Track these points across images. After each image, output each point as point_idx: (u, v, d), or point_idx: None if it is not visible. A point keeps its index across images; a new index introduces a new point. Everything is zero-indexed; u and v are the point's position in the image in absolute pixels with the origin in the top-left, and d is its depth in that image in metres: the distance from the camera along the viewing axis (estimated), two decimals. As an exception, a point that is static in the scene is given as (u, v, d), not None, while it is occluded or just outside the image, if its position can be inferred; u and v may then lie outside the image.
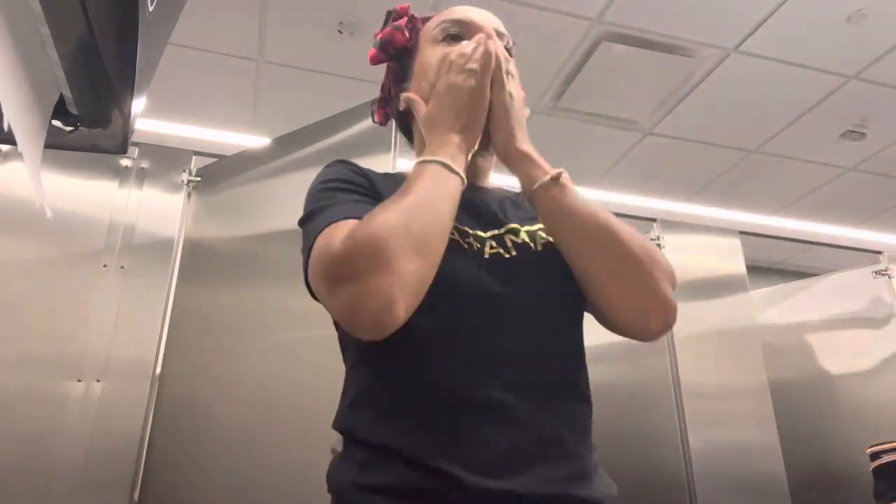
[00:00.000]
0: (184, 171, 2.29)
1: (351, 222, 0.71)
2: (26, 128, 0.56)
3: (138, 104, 0.68)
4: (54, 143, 0.65)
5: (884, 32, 2.70)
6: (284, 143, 2.19)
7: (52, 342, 1.94)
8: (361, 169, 0.88)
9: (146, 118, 3.16)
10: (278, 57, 2.94)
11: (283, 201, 2.09)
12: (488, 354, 0.74)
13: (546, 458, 0.70)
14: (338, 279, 0.67)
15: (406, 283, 0.65)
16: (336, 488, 0.78)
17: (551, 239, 0.82)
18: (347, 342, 0.85)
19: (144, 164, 2.25)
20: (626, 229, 0.76)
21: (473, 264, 0.78)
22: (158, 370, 2.03)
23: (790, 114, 3.25)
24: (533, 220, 0.85)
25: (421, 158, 0.75)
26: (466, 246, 0.79)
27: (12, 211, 2.01)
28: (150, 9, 0.60)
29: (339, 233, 0.70)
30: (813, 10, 2.58)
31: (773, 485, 2.53)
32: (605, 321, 0.80)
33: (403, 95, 0.89)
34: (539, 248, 0.82)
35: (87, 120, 0.66)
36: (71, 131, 0.67)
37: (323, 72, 3.02)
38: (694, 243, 2.69)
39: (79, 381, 1.92)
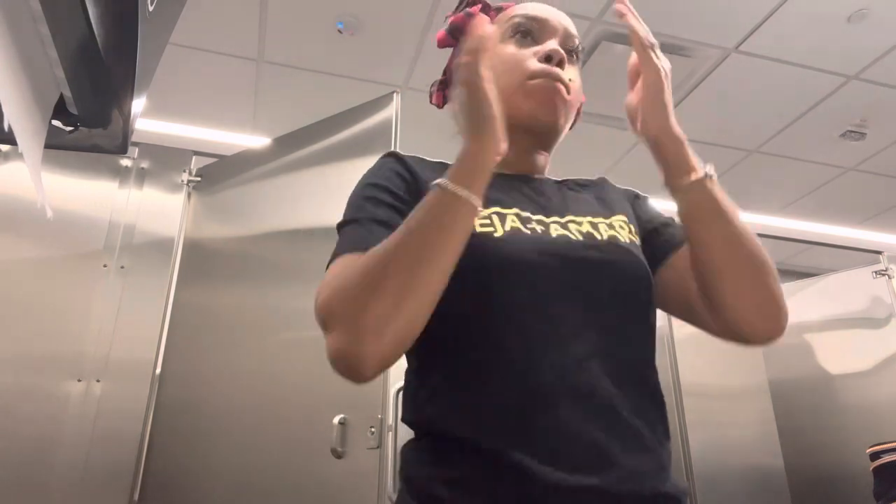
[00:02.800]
0: (184, 171, 2.29)
1: (353, 258, 0.73)
2: (26, 128, 0.56)
3: (138, 104, 0.68)
4: (54, 143, 0.65)
5: (884, 32, 2.70)
6: (284, 143, 2.19)
7: (52, 342, 1.94)
8: (408, 165, 0.86)
9: (146, 118, 3.15)
10: (278, 57, 2.94)
11: (283, 201, 2.09)
12: (565, 341, 0.71)
13: (625, 451, 0.68)
14: (325, 328, 0.71)
15: (381, 339, 0.66)
16: (408, 476, 0.75)
17: (623, 235, 0.81)
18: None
19: (144, 164, 2.25)
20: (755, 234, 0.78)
21: (539, 247, 0.75)
22: (158, 370, 2.03)
23: (790, 114, 3.25)
24: (594, 214, 0.84)
25: (435, 181, 0.70)
26: (529, 231, 0.77)
27: (12, 211, 2.01)
28: (150, 9, 0.60)
29: (336, 272, 0.74)
30: (813, 10, 2.58)
31: (773, 484, 2.53)
32: (715, 324, 0.79)
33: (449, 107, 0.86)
34: (605, 237, 0.80)
35: (87, 120, 0.66)
36: (71, 131, 0.67)
37: (323, 72, 3.02)
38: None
39: (79, 381, 1.92)
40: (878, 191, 3.96)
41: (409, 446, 0.78)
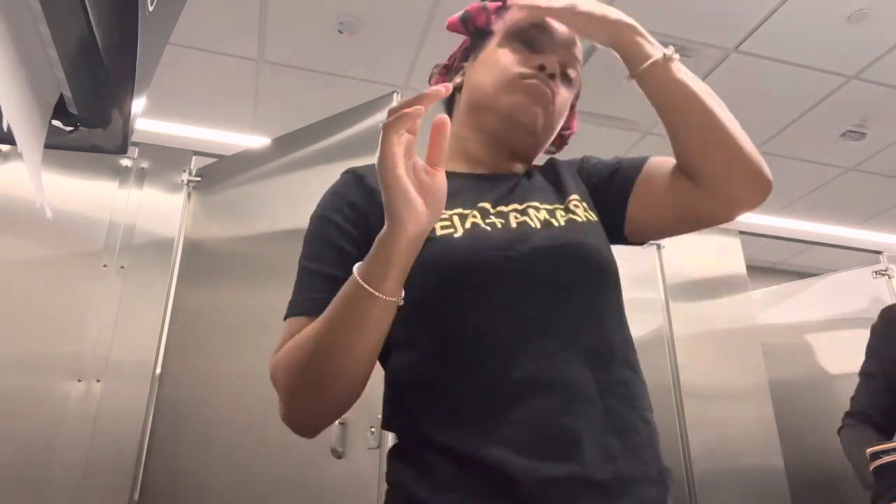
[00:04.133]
0: (184, 171, 2.29)
1: (297, 324, 0.79)
2: (26, 128, 0.56)
3: (138, 104, 0.68)
4: (54, 143, 0.65)
5: (884, 32, 2.70)
6: (284, 143, 2.19)
7: (52, 342, 1.94)
8: (366, 184, 0.86)
9: (146, 118, 3.16)
10: (278, 57, 2.94)
11: (282, 201, 2.09)
12: (534, 334, 0.72)
13: (604, 435, 0.69)
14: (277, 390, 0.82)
15: (305, 418, 0.80)
16: (393, 481, 0.77)
17: (580, 215, 0.82)
18: (390, 346, 0.81)
19: (144, 164, 2.25)
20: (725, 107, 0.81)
21: (498, 242, 0.76)
22: (158, 370, 2.03)
23: (790, 114, 3.25)
24: (551, 200, 0.84)
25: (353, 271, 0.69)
26: (489, 227, 0.78)
27: (12, 211, 2.01)
28: (150, 9, 0.60)
29: (283, 340, 0.81)
30: (813, 10, 2.58)
31: (773, 484, 2.53)
32: (704, 205, 0.81)
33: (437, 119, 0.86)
34: (562, 223, 0.81)
35: (87, 120, 0.66)
36: (71, 131, 0.67)
37: (323, 72, 3.02)
38: (694, 243, 2.69)
39: (79, 381, 1.92)
40: (878, 191, 3.96)
41: (393, 451, 0.79)
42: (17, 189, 2.03)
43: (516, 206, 0.82)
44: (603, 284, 0.79)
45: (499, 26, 0.90)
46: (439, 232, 0.76)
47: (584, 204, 0.85)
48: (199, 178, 2.32)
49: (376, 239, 0.67)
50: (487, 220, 0.78)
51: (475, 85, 0.89)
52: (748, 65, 2.89)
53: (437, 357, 0.74)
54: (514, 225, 0.79)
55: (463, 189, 0.82)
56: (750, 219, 4.22)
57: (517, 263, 0.75)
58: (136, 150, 2.26)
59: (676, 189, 0.82)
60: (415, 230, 0.64)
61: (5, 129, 0.54)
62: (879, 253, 2.90)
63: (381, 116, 1.95)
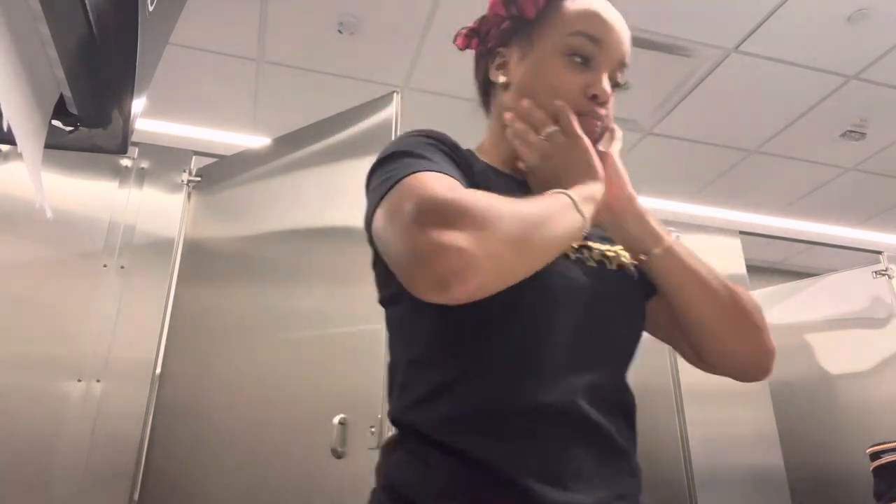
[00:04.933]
0: (184, 171, 2.29)
1: (453, 181, 0.66)
2: (26, 128, 0.56)
3: (138, 104, 0.68)
4: (54, 143, 0.65)
5: (884, 32, 2.70)
6: (284, 143, 2.19)
7: (52, 342, 1.94)
8: (454, 147, 0.80)
9: (146, 118, 3.15)
10: (278, 57, 2.94)
11: (283, 201, 2.09)
12: (578, 369, 0.71)
13: (618, 474, 0.71)
14: (428, 221, 0.59)
15: (494, 263, 0.60)
16: (392, 482, 0.71)
17: (627, 262, 0.82)
18: (418, 333, 0.76)
19: (144, 164, 2.25)
20: (738, 286, 0.81)
21: (560, 266, 0.73)
22: (158, 370, 2.03)
23: (790, 114, 3.24)
24: (603, 240, 0.84)
25: (557, 190, 0.71)
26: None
27: (12, 211, 2.01)
28: (150, 9, 0.60)
29: (442, 182, 0.65)
30: (813, 10, 2.58)
31: (773, 484, 2.53)
32: (705, 364, 0.84)
33: (507, 117, 0.83)
34: (614, 266, 0.81)
35: (87, 120, 0.66)
36: (71, 131, 0.67)
37: (323, 72, 3.02)
38: (694, 243, 2.67)
39: (79, 381, 1.92)
40: (878, 191, 3.96)
41: (395, 447, 0.74)
42: (17, 189, 2.03)
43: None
44: (635, 336, 0.81)
45: (548, 25, 0.83)
46: None
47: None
48: (199, 178, 2.31)
49: (578, 188, 0.72)
50: None
51: (525, 95, 0.83)
52: (748, 65, 2.89)
53: (482, 357, 0.71)
54: (572, 258, 0.77)
55: (511, 191, 0.77)
56: (750, 219, 4.22)
57: (578, 298, 0.74)
58: (136, 150, 2.26)
59: (676, 333, 0.85)
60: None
61: (5, 129, 0.54)
62: (879, 253, 2.90)
63: (381, 116, 1.95)
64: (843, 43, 2.75)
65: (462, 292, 0.58)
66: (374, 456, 1.55)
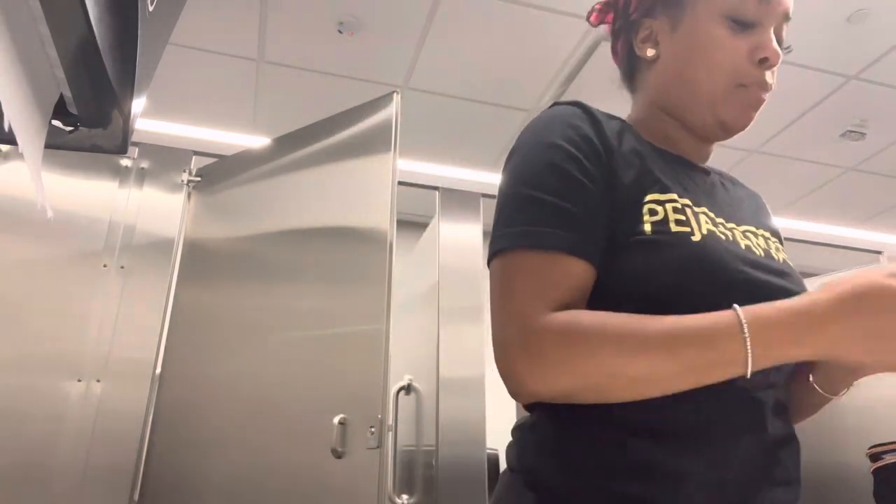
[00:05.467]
0: (184, 171, 2.29)
1: (557, 268, 0.63)
2: (26, 128, 0.56)
3: (138, 104, 0.68)
4: (54, 143, 0.65)
5: (884, 32, 2.70)
6: (284, 143, 2.19)
7: (52, 342, 1.94)
8: (601, 128, 0.71)
9: (146, 118, 3.15)
10: (278, 57, 2.94)
11: (283, 201, 2.09)
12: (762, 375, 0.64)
13: (774, 485, 0.65)
14: (533, 361, 0.61)
15: (559, 389, 0.61)
16: (532, 468, 0.67)
17: (786, 257, 0.76)
18: None
19: (144, 164, 2.25)
20: None
21: (736, 259, 0.66)
22: (158, 370, 2.03)
23: (790, 114, 3.25)
24: (757, 224, 0.77)
25: (747, 317, 0.56)
26: (723, 237, 0.68)
27: (12, 211, 2.01)
28: (150, 9, 0.60)
29: (539, 285, 0.62)
30: (813, 10, 2.58)
31: (773, 485, 2.53)
32: None
33: None
34: (780, 259, 0.73)
35: (87, 120, 0.66)
36: (71, 131, 0.67)
37: (323, 72, 3.02)
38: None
39: (79, 381, 1.92)
40: (878, 191, 3.96)
41: (541, 432, 0.68)
42: (17, 189, 2.03)
43: (734, 225, 0.73)
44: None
45: None
46: (674, 227, 0.65)
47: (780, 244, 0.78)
48: (199, 178, 2.31)
49: (791, 308, 0.56)
50: (719, 229, 0.69)
51: (682, 72, 0.75)
52: (748, 65, 2.89)
53: None
54: (742, 245, 0.69)
55: (675, 174, 0.73)
56: (750, 219, 4.22)
57: (749, 289, 0.64)
58: (136, 150, 2.26)
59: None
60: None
61: (6, 129, 0.54)
62: (879, 253, 2.90)
63: (381, 116, 1.95)
64: (843, 43, 2.75)
65: (527, 401, 0.65)
66: (375, 456, 1.55)
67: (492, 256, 0.68)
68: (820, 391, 0.69)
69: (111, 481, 1.85)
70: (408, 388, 2.39)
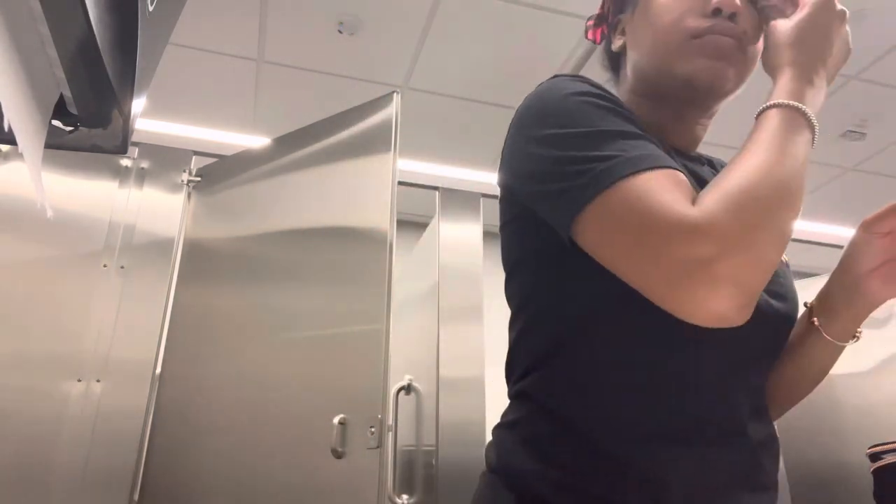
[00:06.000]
0: (184, 171, 2.29)
1: (682, 178, 0.59)
2: (26, 128, 0.56)
3: (138, 104, 0.68)
4: (54, 143, 0.65)
5: (884, 32, 2.70)
6: (284, 143, 2.19)
7: (52, 342, 1.94)
8: (612, 97, 0.70)
9: (146, 118, 3.15)
10: (278, 57, 2.94)
11: (283, 201, 2.09)
12: (732, 380, 0.65)
13: (755, 491, 0.66)
14: (688, 252, 0.53)
15: (764, 276, 0.57)
16: (509, 468, 0.66)
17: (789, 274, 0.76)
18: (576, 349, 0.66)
19: (144, 164, 2.25)
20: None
21: None
22: (158, 370, 2.03)
23: (790, 114, 3.25)
24: None
25: (781, 101, 0.62)
26: None
27: (12, 211, 2.01)
28: (150, 9, 0.60)
29: (677, 188, 0.57)
30: (813, 10, 2.58)
31: (773, 485, 2.53)
32: None
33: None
34: (784, 279, 0.75)
35: (87, 120, 0.66)
36: (71, 131, 0.67)
37: (323, 72, 3.02)
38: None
39: (79, 381, 1.92)
40: (878, 191, 3.96)
41: (517, 432, 0.68)
42: (17, 189, 2.03)
43: None
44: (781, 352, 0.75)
45: None
46: None
47: None
48: (199, 178, 2.32)
49: (796, 84, 0.64)
50: None
51: (639, 48, 0.76)
52: (748, 65, 2.89)
53: (635, 353, 0.64)
54: None
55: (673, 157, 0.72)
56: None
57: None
58: (136, 150, 2.26)
59: None
60: None
61: (6, 129, 0.54)
62: (879, 253, 2.90)
63: (381, 116, 1.96)
64: (843, 43, 2.75)
65: (741, 316, 0.56)
66: (374, 456, 1.55)
67: (592, 197, 0.58)
68: (827, 337, 0.71)
69: (111, 481, 1.85)
70: (408, 388, 2.39)
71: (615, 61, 0.85)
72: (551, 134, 0.63)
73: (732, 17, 0.70)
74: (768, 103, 0.63)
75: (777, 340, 0.72)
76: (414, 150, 3.51)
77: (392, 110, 1.92)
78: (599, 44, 0.88)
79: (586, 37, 0.89)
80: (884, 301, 0.71)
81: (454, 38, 2.79)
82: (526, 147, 0.66)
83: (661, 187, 0.56)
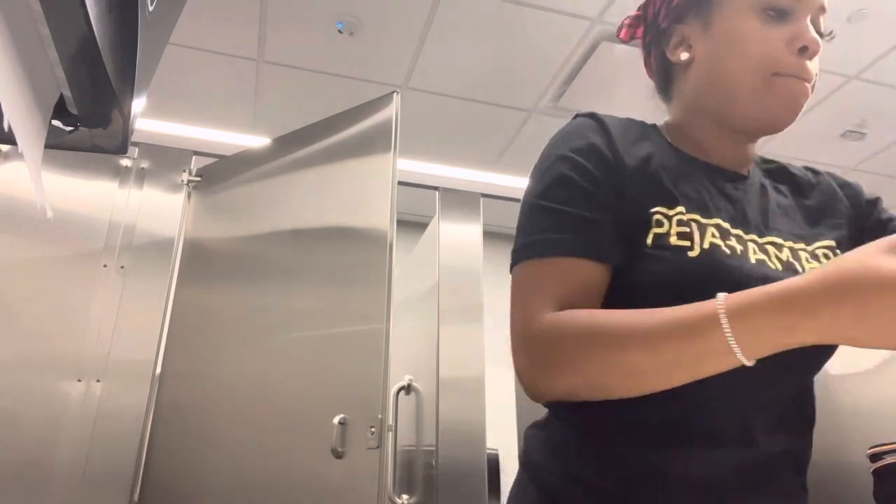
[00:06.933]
0: (184, 171, 2.29)
1: (561, 272, 0.66)
2: (26, 128, 0.56)
3: (138, 104, 0.68)
4: (54, 143, 0.65)
5: (884, 32, 2.70)
6: (284, 143, 2.19)
7: (52, 342, 1.94)
8: (611, 137, 0.73)
9: (146, 118, 3.15)
10: (278, 57, 2.94)
11: (283, 201, 2.09)
12: (737, 388, 0.63)
13: (768, 496, 0.66)
14: (522, 347, 0.66)
15: (568, 392, 0.64)
16: (536, 464, 0.71)
17: (821, 264, 0.71)
18: None
19: (144, 164, 2.25)
20: None
21: (734, 277, 0.64)
22: (158, 370, 2.03)
23: (790, 114, 3.25)
24: (797, 238, 0.73)
25: (728, 306, 0.54)
26: (728, 250, 0.67)
27: (12, 211, 2.01)
28: (150, 9, 0.60)
29: (543, 289, 0.66)
30: (813, 11, 2.58)
31: (773, 485, 2.53)
32: None
33: None
34: (805, 272, 0.68)
35: (87, 120, 0.66)
36: (71, 131, 0.67)
37: (323, 72, 3.02)
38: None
39: (79, 381, 1.92)
40: (878, 191, 3.94)
41: (546, 435, 0.72)
42: (17, 189, 2.03)
43: (755, 237, 0.70)
44: (815, 366, 0.71)
45: None
46: (675, 241, 0.66)
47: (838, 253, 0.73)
48: (199, 178, 2.32)
49: (781, 294, 0.52)
50: (727, 242, 0.68)
51: (718, 70, 0.74)
52: (748, 65, 2.89)
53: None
54: (752, 261, 0.67)
55: (695, 182, 0.73)
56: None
57: None
58: (136, 150, 2.26)
59: None
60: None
61: (6, 128, 0.54)
62: (879, 253, 2.90)
63: (381, 116, 1.96)
64: (843, 43, 2.76)
65: (538, 400, 0.67)
66: (374, 456, 1.55)
67: (511, 269, 0.71)
68: None
69: (111, 481, 1.85)
70: (408, 388, 2.39)
71: (668, 71, 0.82)
72: (530, 189, 0.74)
73: (813, 57, 0.72)
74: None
75: (788, 355, 0.71)
76: (414, 150, 3.51)
77: (392, 110, 1.92)
78: (627, 42, 0.88)
79: (618, 34, 0.88)
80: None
81: (454, 38, 2.79)
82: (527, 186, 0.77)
83: (542, 283, 0.66)
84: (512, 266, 0.70)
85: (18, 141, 0.54)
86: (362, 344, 1.68)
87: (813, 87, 0.73)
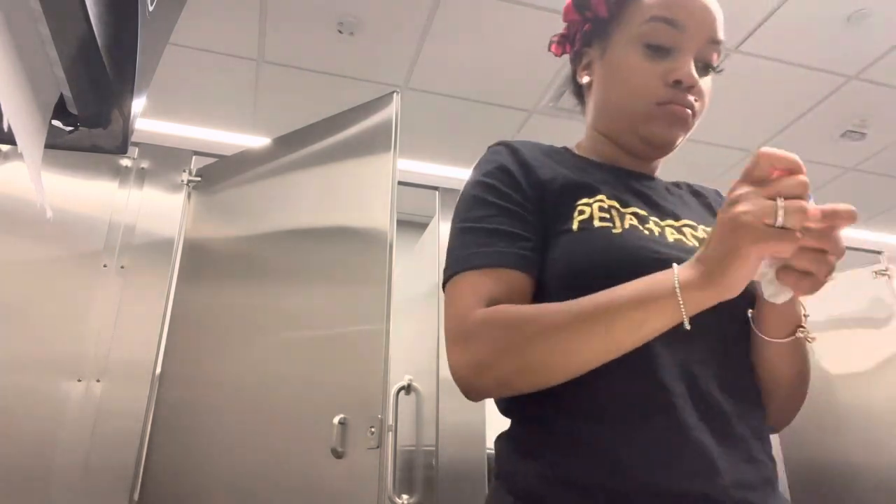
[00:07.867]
0: (184, 171, 2.29)
1: (488, 279, 0.72)
2: (26, 128, 0.56)
3: (138, 104, 0.68)
4: (54, 143, 0.65)
5: (884, 32, 2.70)
6: (284, 143, 2.19)
7: (52, 342, 1.94)
8: (521, 156, 0.80)
9: (146, 118, 3.16)
10: (278, 57, 2.94)
11: (282, 201, 2.09)
12: (680, 342, 0.67)
13: (733, 459, 0.67)
14: (455, 340, 0.71)
15: (511, 379, 0.68)
16: (506, 471, 0.73)
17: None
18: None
19: (144, 164, 2.25)
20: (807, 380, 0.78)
21: (657, 247, 0.71)
22: (158, 370, 2.03)
23: (790, 114, 3.25)
24: (707, 223, 0.81)
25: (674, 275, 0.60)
26: (647, 232, 0.74)
27: (12, 211, 2.01)
28: (150, 9, 0.60)
29: (473, 292, 0.71)
30: (813, 10, 2.58)
31: (773, 485, 2.53)
32: None
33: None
34: None
35: (87, 120, 0.66)
36: (71, 131, 0.67)
37: (323, 72, 3.02)
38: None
39: (79, 381, 1.92)
40: (878, 191, 3.96)
41: (506, 438, 0.77)
42: (17, 189, 2.03)
43: (671, 221, 0.78)
44: (741, 316, 0.73)
45: (624, 15, 0.81)
46: (598, 223, 0.73)
47: None
48: (199, 178, 2.32)
49: (698, 274, 0.59)
50: (646, 226, 0.75)
51: (607, 97, 0.84)
52: (748, 65, 2.89)
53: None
54: (670, 239, 0.75)
55: (609, 181, 0.80)
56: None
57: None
58: (136, 150, 2.26)
59: None
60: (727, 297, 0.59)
61: (5, 128, 0.54)
62: (879, 253, 2.90)
63: (381, 116, 1.96)
64: (843, 43, 2.76)
65: (477, 397, 0.72)
66: (374, 456, 1.55)
67: (443, 288, 0.77)
68: (763, 337, 0.71)
69: (111, 481, 1.85)
70: (408, 388, 2.39)
71: (580, 90, 0.92)
72: (453, 217, 0.82)
73: (689, 89, 0.78)
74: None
75: (723, 342, 0.72)
76: (414, 150, 3.52)
77: (392, 110, 1.92)
78: (559, 56, 0.96)
79: (549, 48, 0.96)
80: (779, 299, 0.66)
81: (454, 38, 2.79)
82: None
83: (472, 288, 0.72)
84: (443, 285, 0.76)
85: (18, 141, 0.54)
86: (362, 344, 1.68)
87: (696, 115, 0.80)
